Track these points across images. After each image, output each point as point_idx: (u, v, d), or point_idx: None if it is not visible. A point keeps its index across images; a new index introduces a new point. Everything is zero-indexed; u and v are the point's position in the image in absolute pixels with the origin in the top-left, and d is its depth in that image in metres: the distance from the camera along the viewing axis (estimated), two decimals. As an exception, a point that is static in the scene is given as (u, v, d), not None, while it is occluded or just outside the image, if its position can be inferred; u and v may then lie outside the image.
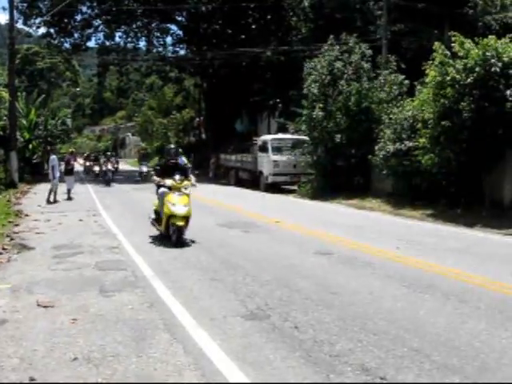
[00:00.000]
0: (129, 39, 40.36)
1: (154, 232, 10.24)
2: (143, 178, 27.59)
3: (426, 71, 13.90)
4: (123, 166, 47.93)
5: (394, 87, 18.29)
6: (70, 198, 18.45)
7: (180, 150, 17.20)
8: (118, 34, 39.93)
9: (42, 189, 21.99)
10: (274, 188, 22.28)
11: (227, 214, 14.24)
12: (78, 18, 37.55)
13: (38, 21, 35.40)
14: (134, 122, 69.89)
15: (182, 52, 41.99)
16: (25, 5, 34.82)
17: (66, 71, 78.46)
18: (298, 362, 4.19)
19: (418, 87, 15.44)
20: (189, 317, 5.33)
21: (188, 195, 9.75)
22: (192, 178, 10.40)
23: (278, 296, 6.03)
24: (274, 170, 22.40)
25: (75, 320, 5.23)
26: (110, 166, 26.68)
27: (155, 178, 10.16)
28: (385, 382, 3.84)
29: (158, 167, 11.20)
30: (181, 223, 9.25)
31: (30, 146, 32.94)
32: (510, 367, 4.10)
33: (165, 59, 40.25)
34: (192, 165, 24.24)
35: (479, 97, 12.33)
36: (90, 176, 34.35)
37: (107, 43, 39.67)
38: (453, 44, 13.21)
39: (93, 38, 39.95)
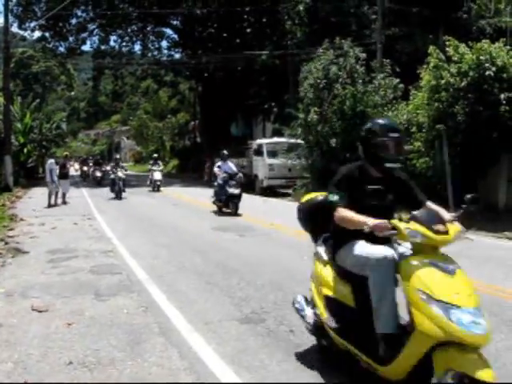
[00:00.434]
0: (124, 43, 40.57)
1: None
2: (157, 188, 23.85)
3: (421, 75, 13.97)
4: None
5: (389, 91, 18.34)
6: (65, 202, 18.44)
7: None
8: (112, 38, 40.28)
9: (37, 193, 21.96)
10: (270, 191, 22.31)
11: (222, 218, 14.24)
12: (73, 21, 37.82)
13: (33, 24, 35.56)
14: (129, 125, 69.83)
15: (177, 56, 42.20)
16: (20, 8, 34.88)
17: (61, 75, 78.16)
18: (294, 366, 4.18)
19: (413, 91, 15.48)
20: (184, 321, 5.32)
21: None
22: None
23: (273, 300, 6.02)
24: (269, 174, 22.43)
25: (70, 324, 5.21)
26: (120, 174, 21.10)
27: (343, 211, 3.93)
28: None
29: (338, 181, 4.26)
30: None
31: (25, 150, 32.93)
32: (505, 370, 4.10)
33: (160, 63, 40.38)
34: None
35: (473, 100, 12.36)
36: (88, 182, 32.74)
37: (102, 47, 39.79)
38: (447, 48, 13.28)
39: (88, 42, 40.29)
